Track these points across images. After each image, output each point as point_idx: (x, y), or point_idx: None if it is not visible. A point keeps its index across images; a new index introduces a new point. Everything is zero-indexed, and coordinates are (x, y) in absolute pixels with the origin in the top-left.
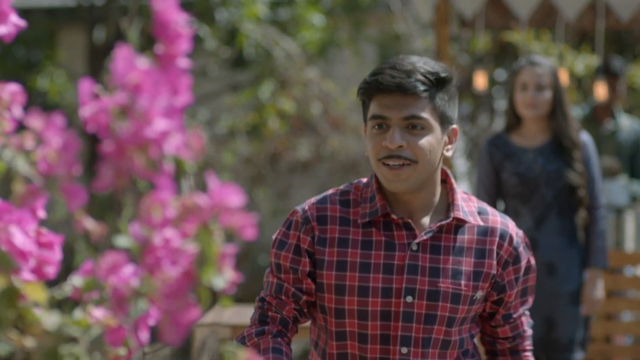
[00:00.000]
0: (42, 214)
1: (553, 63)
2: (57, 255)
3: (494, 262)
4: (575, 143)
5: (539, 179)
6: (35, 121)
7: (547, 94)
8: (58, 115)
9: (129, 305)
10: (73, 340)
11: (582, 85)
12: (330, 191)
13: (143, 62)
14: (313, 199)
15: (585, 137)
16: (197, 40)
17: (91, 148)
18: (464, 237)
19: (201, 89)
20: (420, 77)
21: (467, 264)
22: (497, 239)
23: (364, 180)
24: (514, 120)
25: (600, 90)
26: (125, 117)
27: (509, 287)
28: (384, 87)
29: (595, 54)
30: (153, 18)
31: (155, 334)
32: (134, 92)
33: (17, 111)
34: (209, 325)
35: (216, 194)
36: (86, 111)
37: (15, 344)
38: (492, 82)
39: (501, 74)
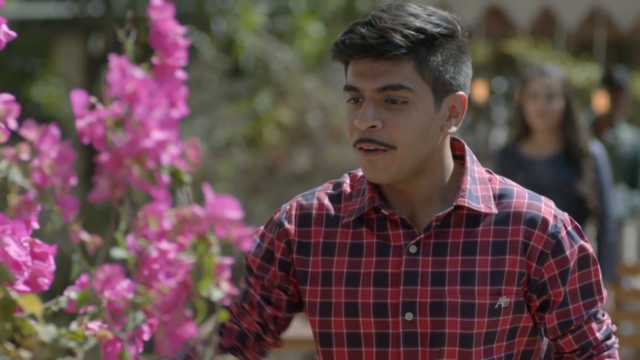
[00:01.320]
0: (35, 224)
1: (563, 72)
2: (51, 266)
3: (521, 258)
4: (584, 153)
5: (549, 190)
6: (31, 132)
7: (558, 104)
8: (53, 126)
9: (125, 317)
10: (69, 352)
11: (582, 95)
12: (325, 184)
13: (139, 73)
14: (300, 195)
15: (596, 148)
16: (193, 50)
17: (88, 159)
18: (477, 230)
19: (197, 99)
20: (398, 36)
21: (481, 264)
22: (522, 226)
23: None
24: (524, 130)
25: (600, 101)
26: (121, 128)
27: (551, 285)
28: (351, 50)
29: (596, 64)
30: (150, 28)
31: (151, 347)
32: (130, 103)
33: (12, 122)
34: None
35: (213, 206)
36: (81, 123)
37: (12, 356)
38: (490, 92)
39: (500, 84)
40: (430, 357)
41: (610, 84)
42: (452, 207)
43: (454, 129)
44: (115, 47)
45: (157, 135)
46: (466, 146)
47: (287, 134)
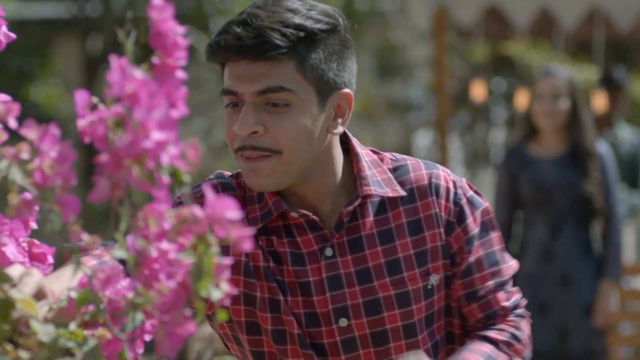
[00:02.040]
0: (34, 225)
1: (569, 73)
2: (49, 267)
3: (439, 230)
4: (590, 153)
5: (555, 189)
6: (31, 132)
7: (564, 104)
8: (54, 126)
9: (125, 317)
10: (68, 352)
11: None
12: (206, 184)
13: (139, 73)
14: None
15: (602, 148)
16: (192, 50)
17: (87, 159)
18: (388, 216)
19: (196, 99)
20: (276, 35)
21: (403, 248)
22: (430, 198)
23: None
24: (531, 130)
25: (599, 101)
26: (121, 128)
27: (460, 254)
28: (226, 52)
29: (594, 64)
30: (150, 28)
31: (151, 347)
32: (130, 104)
33: (12, 121)
34: (205, 338)
35: (212, 206)
36: (82, 122)
37: (11, 357)
38: (489, 92)
39: (499, 84)
40: (377, 357)
41: (609, 83)
42: (359, 199)
43: (340, 129)
44: (114, 47)
45: (157, 135)
46: (349, 133)
47: None
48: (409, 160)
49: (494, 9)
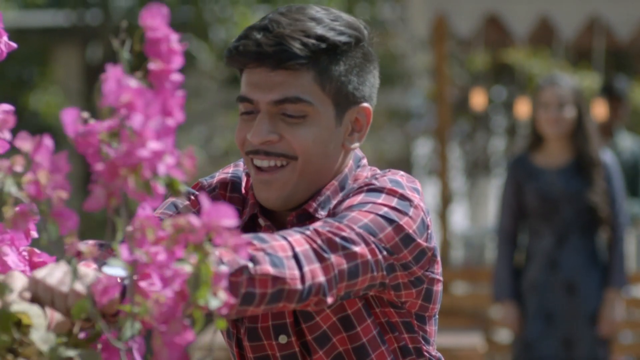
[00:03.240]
0: (34, 233)
1: (574, 81)
2: None
3: None
4: (595, 162)
5: (561, 199)
6: (25, 144)
7: (570, 112)
8: (47, 137)
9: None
10: None
11: None
12: (222, 174)
13: (134, 83)
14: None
15: (607, 157)
16: (191, 58)
17: (84, 168)
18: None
19: (196, 107)
20: (297, 44)
21: None
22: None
23: None
24: (536, 139)
25: (600, 110)
26: (116, 138)
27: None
28: (245, 58)
29: (595, 72)
30: (144, 36)
31: (149, 356)
32: (126, 113)
33: (7, 134)
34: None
35: (209, 215)
36: (75, 135)
37: None
38: (489, 100)
39: (499, 93)
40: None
41: (610, 93)
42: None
43: (356, 144)
44: (113, 56)
45: (153, 145)
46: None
47: None
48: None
49: (493, 18)
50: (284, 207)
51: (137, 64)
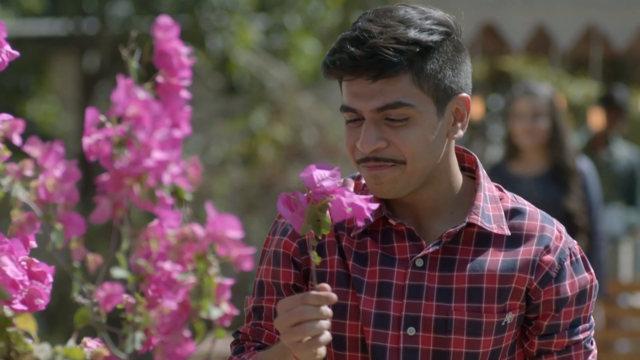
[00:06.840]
0: (34, 244)
1: (550, 90)
2: (48, 287)
3: (530, 276)
4: (571, 171)
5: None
6: (35, 149)
7: (544, 122)
8: (58, 144)
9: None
10: None
11: (579, 112)
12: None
13: (142, 94)
14: None
15: (584, 165)
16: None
17: (85, 177)
18: (488, 250)
19: (193, 116)
20: (391, 52)
21: (489, 280)
22: (534, 247)
23: None
24: (513, 149)
25: (597, 118)
26: (124, 148)
27: (544, 308)
28: (342, 72)
29: (592, 81)
30: (153, 48)
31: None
32: (133, 124)
33: (17, 138)
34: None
35: (214, 224)
36: (88, 140)
37: None
38: (486, 109)
39: (496, 102)
40: None
41: (611, 103)
42: (464, 224)
43: (460, 133)
44: (111, 65)
45: (158, 155)
46: (477, 160)
47: (282, 152)
48: (528, 207)
49: (490, 26)
50: (398, 196)
51: (144, 75)
